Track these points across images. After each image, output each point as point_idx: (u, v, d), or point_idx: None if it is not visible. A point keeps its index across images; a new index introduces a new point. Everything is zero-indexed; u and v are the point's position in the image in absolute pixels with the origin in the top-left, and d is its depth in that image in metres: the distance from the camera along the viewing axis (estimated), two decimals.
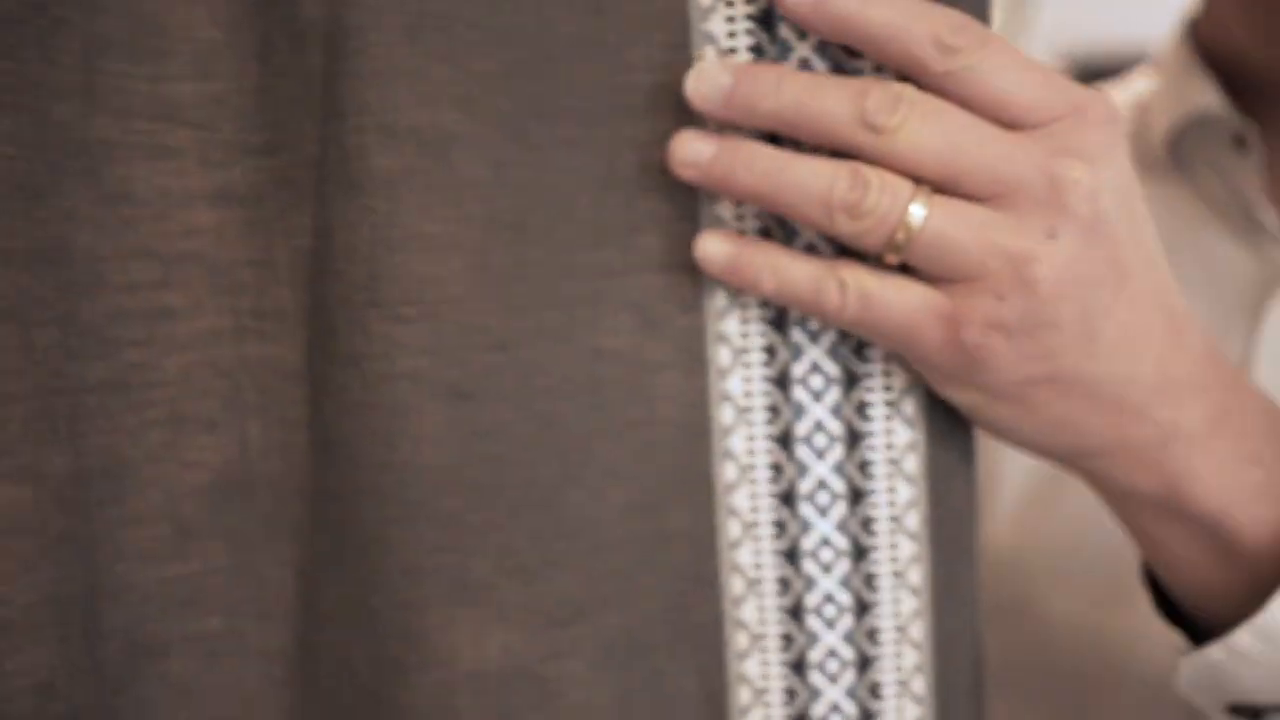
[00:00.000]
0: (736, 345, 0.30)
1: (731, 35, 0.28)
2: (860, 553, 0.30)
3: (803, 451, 0.30)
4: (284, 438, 0.30)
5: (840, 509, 0.30)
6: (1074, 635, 0.51)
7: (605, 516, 0.30)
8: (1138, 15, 3.08)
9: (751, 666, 0.31)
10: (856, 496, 0.30)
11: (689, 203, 0.29)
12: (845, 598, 0.30)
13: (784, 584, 0.31)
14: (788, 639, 0.31)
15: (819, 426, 0.30)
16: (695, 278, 0.28)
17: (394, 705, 0.29)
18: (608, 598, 0.30)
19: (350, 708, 0.30)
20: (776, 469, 0.30)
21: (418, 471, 0.27)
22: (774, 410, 0.30)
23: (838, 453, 0.30)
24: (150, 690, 0.30)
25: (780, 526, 0.30)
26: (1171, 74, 0.56)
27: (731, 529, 0.30)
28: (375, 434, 0.27)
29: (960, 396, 0.30)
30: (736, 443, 0.30)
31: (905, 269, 0.28)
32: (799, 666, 0.31)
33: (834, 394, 0.30)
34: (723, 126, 0.28)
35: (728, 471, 0.30)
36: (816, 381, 0.30)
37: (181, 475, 0.29)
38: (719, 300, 0.29)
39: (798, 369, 0.30)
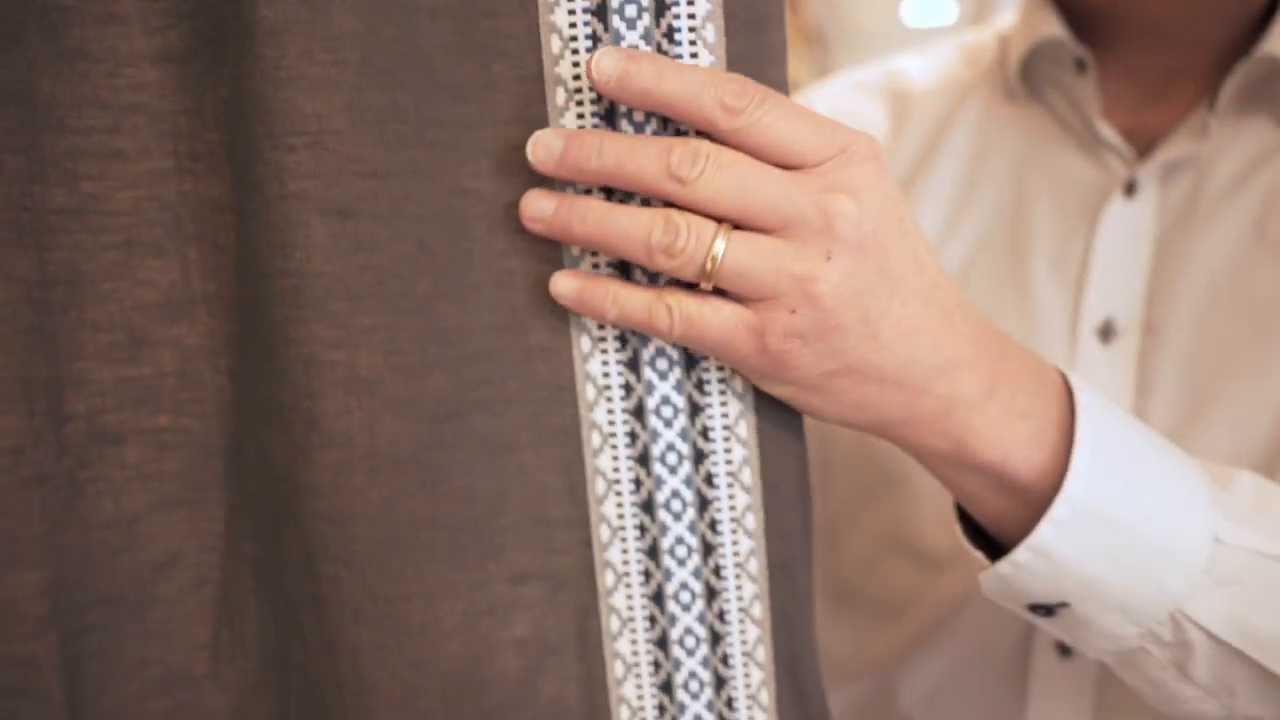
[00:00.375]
0: (600, 384, 0.36)
1: (573, 26, 0.33)
2: (700, 456, 0.36)
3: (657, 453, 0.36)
4: (217, 261, 0.36)
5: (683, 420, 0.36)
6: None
7: (475, 329, 0.35)
8: None
9: (604, 461, 0.36)
10: (699, 457, 0.37)
11: (535, 68, 0.34)
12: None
13: (628, 389, 0.36)
14: (633, 436, 0.36)
15: (670, 446, 0.36)
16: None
17: (301, 484, 0.35)
18: (479, 401, 0.35)
19: (269, 493, 0.36)
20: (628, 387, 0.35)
21: (310, 278, 0.33)
22: (633, 437, 0.36)
23: (687, 468, 0.36)
24: (110, 471, 0.36)
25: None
26: (1026, 10, 0.63)
27: (584, 344, 0.35)
28: (274, 246, 0.33)
29: (777, 390, 0.36)
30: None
31: (721, 292, 0.34)
32: (644, 460, 0.36)
33: (681, 420, 0.36)
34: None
35: (583, 343, 0.35)
36: (667, 411, 0.36)
37: (134, 292, 0.35)
38: (584, 344, 0.35)
39: (650, 402, 0.36)
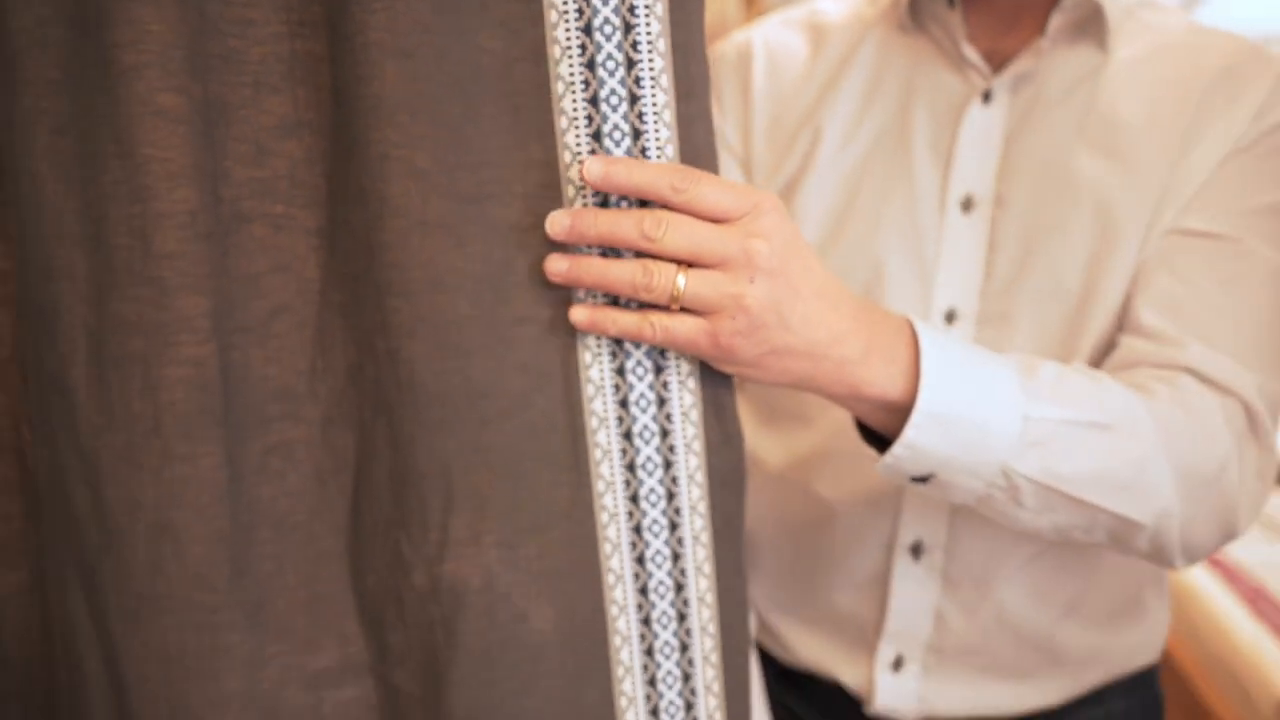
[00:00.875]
0: (596, 383, 0.54)
1: (578, 145, 0.52)
2: (665, 433, 0.56)
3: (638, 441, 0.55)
4: (317, 97, 0.52)
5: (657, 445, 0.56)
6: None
7: (491, 148, 0.52)
8: None
9: (600, 437, 0.54)
10: (665, 433, 0.56)
11: (554, 175, 0.52)
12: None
13: (616, 387, 0.55)
14: (620, 419, 0.55)
15: (645, 426, 0.55)
16: None
17: (375, 244, 0.51)
18: (492, 194, 0.52)
19: (352, 257, 0.53)
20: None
21: (384, 99, 0.50)
22: (620, 419, 0.55)
23: (656, 440, 0.55)
24: (244, 241, 0.52)
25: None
26: None
27: (585, 358, 0.54)
28: (359, 80, 0.50)
29: (727, 369, 0.56)
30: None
31: (685, 310, 0.53)
32: (628, 435, 0.55)
33: (652, 409, 0.55)
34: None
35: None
36: (643, 402, 0.55)
37: (259, 118, 0.52)
38: (585, 357, 0.54)
39: (632, 396, 0.55)
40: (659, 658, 0.57)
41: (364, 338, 0.53)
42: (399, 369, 0.52)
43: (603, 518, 0.55)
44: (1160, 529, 0.64)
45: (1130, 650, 0.81)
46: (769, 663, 0.86)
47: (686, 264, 0.52)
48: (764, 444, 0.83)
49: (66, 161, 0.50)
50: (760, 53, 0.85)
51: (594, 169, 0.50)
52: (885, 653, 0.79)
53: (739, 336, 0.52)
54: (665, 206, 0.51)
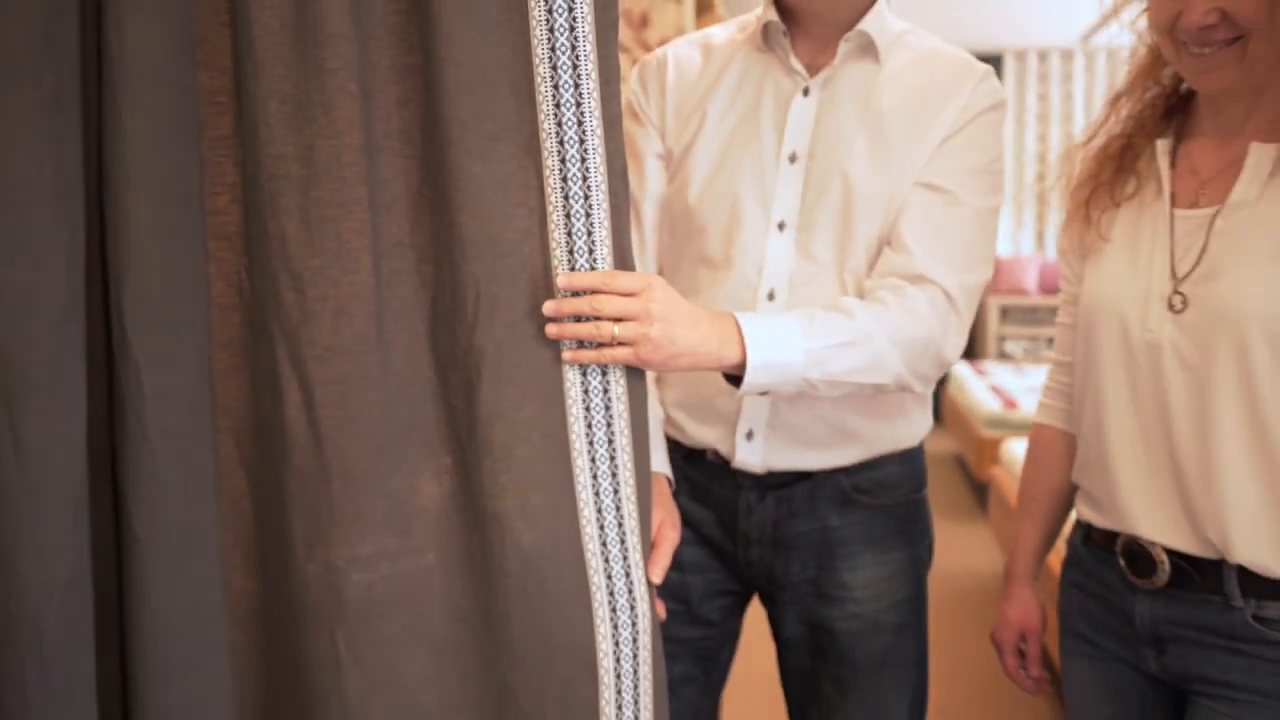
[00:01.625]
0: (571, 380, 1.00)
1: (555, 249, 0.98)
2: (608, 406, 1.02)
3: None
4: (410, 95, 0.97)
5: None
6: None
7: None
8: (973, 14, 3.90)
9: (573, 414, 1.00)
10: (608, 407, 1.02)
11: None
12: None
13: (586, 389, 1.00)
14: (587, 407, 0.99)
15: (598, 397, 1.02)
16: None
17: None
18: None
19: None
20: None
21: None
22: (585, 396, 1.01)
23: (601, 414, 1.02)
24: (379, 166, 0.97)
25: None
26: (764, 6, 1.27)
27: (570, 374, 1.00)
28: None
29: (649, 368, 1.03)
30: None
31: (621, 344, 0.99)
32: (588, 409, 1.01)
33: (599, 398, 1.01)
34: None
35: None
36: (597, 395, 1.01)
37: (387, 100, 0.97)
38: (571, 375, 1.00)
39: (590, 386, 1.01)
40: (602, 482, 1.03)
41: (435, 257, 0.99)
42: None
43: (572, 427, 1.01)
44: (898, 381, 1.14)
45: (899, 436, 1.30)
46: (676, 446, 1.33)
47: (614, 321, 0.97)
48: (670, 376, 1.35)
49: (288, 117, 0.94)
50: (671, 62, 1.32)
51: (562, 281, 0.95)
52: (742, 428, 1.26)
53: (650, 354, 0.99)
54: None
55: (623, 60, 1.17)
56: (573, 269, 0.99)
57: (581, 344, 0.97)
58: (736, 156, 1.25)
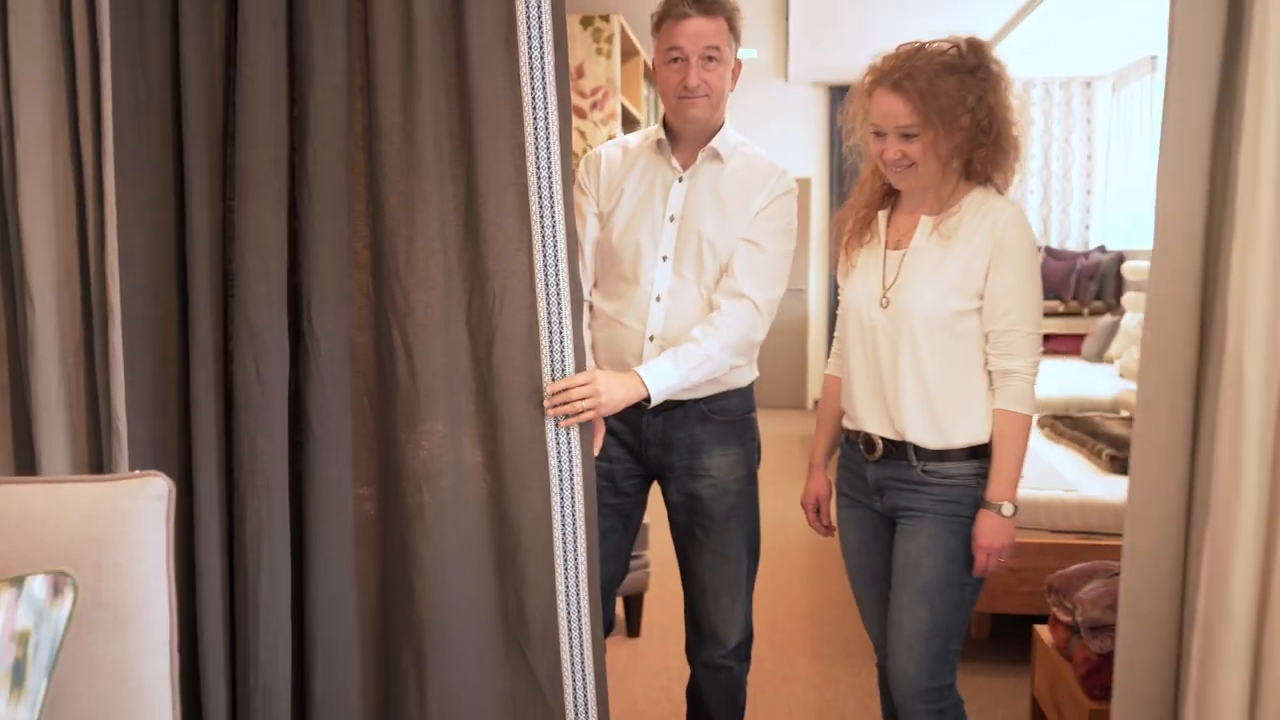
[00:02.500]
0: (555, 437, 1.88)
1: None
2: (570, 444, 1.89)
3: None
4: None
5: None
6: None
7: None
8: (872, 50, 5.05)
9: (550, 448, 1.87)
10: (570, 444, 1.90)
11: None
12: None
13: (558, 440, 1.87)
14: (561, 448, 1.87)
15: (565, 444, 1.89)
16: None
17: None
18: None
19: None
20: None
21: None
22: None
23: (565, 449, 1.90)
24: (416, 162, 1.83)
25: None
26: (658, 125, 2.16)
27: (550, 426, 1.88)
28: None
29: (601, 414, 1.93)
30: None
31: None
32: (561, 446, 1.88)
33: (563, 438, 1.89)
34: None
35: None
36: (563, 439, 1.88)
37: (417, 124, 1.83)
38: (551, 426, 1.87)
39: (561, 441, 1.89)
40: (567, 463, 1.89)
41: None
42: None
43: (549, 442, 1.86)
44: (731, 365, 2.05)
45: (736, 379, 2.17)
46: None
47: (589, 397, 1.83)
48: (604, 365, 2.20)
49: (401, 206, 1.79)
50: (604, 158, 2.19)
51: (553, 387, 1.81)
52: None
53: (602, 409, 1.86)
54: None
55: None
56: (546, 284, 1.84)
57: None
58: (640, 217, 2.12)
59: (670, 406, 2.12)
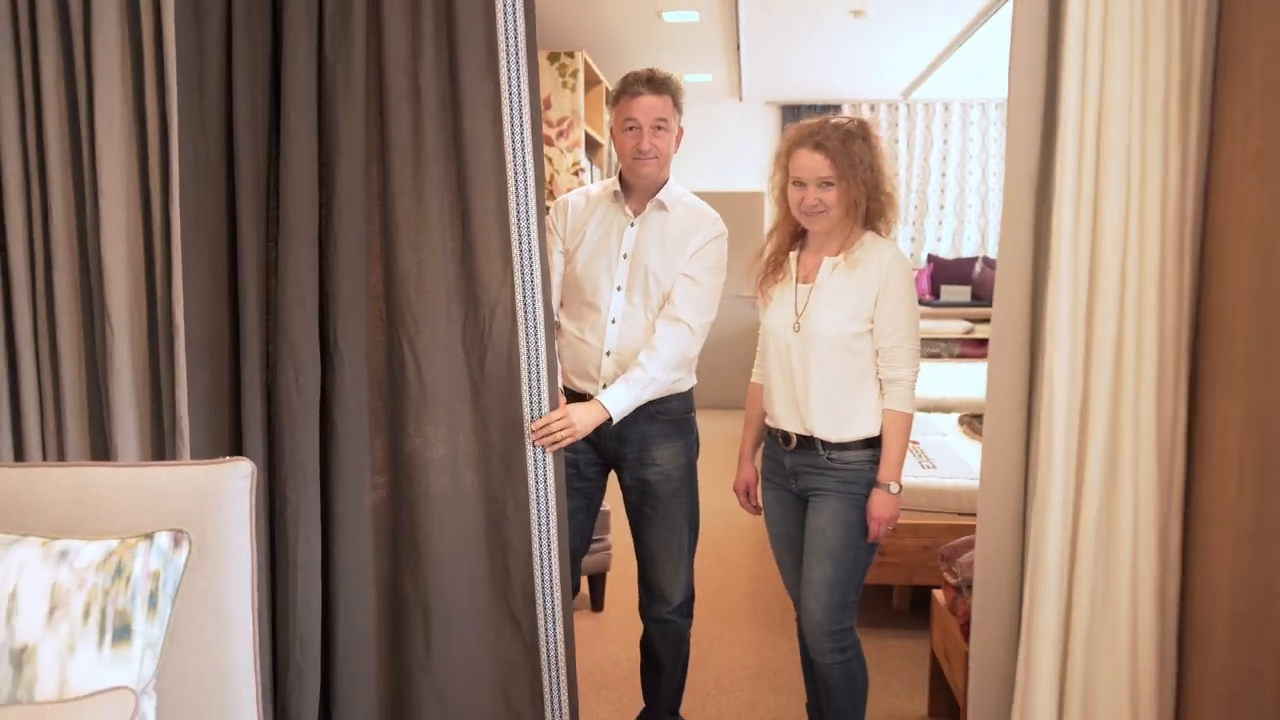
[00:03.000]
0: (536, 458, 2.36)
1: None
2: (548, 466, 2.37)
3: None
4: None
5: None
6: None
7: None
8: (818, 73, 5.74)
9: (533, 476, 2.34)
10: (547, 466, 2.37)
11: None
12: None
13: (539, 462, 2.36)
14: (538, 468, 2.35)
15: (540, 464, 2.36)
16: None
17: None
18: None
19: None
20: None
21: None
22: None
23: (541, 471, 2.36)
24: (423, 194, 2.30)
25: None
26: (616, 177, 2.66)
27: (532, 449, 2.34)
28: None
29: (576, 438, 2.43)
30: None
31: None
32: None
33: (543, 462, 2.35)
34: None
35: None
36: (540, 466, 2.36)
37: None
38: (533, 450, 2.35)
39: (538, 464, 2.36)
40: (542, 467, 2.36)
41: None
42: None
43: (527, 439, 2.33)
44: (673, 379, 2.53)
45: (677, 386, 2.66)
46: (569, 392, 2.66)
47: (569, 429, 2.32)
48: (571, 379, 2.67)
49: (411, 243, 2.26)
50: (570, 205, 2.66)
51: (535, 425, 2.30)
52: (599, 384, 2.60)
53: (577, 434, 2.35)
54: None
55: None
56: (524, 312, 2.31)
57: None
58: (599, 254, 2.59)
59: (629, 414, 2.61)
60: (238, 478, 1.74)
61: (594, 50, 5.87)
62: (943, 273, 7.59)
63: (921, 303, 7.64)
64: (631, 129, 2.53)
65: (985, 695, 2.31)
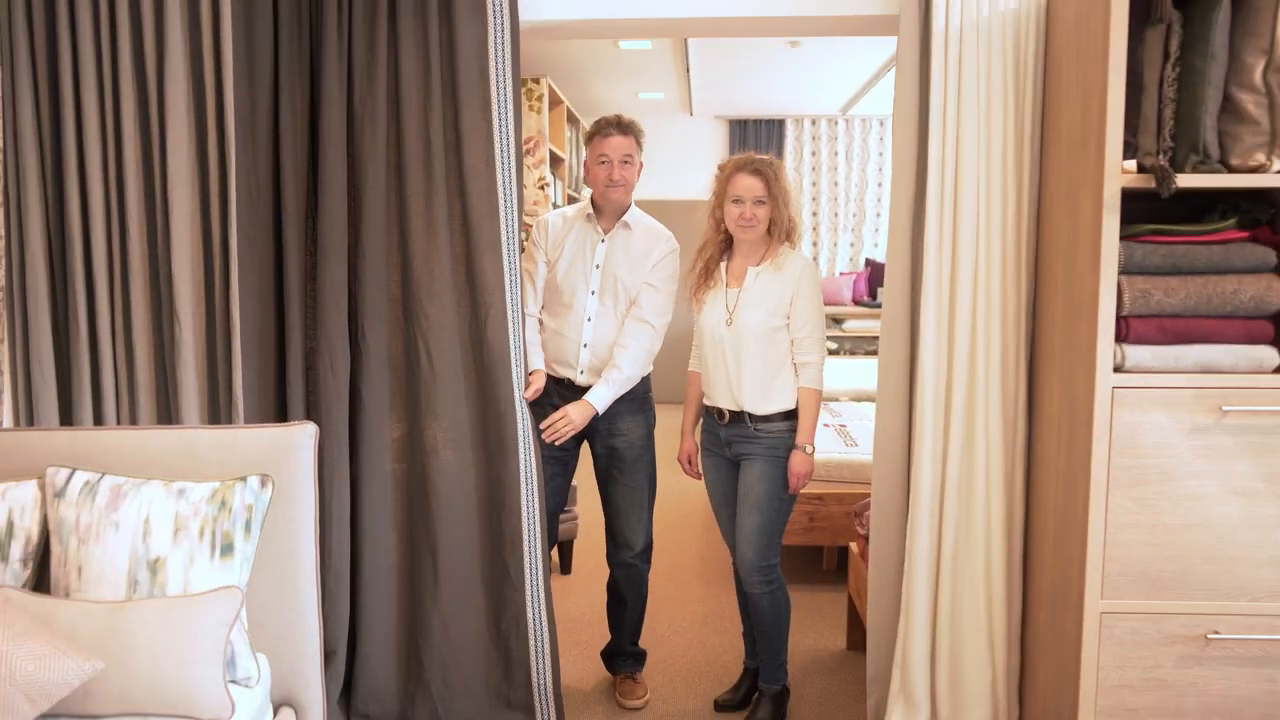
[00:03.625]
0: (522, 419, 2.95)
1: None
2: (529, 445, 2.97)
3: None
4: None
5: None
6: None
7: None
8: (762, 92, 6.49)
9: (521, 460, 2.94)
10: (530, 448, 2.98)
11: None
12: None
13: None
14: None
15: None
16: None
17: None
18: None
19: None
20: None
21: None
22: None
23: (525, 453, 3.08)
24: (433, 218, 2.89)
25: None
26: (588, 199, 3.27)
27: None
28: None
29: (575, 430, 3.08)
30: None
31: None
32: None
33: (529, 447, 2.97)
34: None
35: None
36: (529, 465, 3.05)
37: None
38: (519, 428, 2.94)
39: (529, 422, 3.01)
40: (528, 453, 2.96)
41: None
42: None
43: (517, 419, 2.92)
44: (641, 374, 3.15)
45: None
46: (551, 378, 3.23)
47: (567, 425, 2.95)
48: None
49: (422, 257, 2.84)
50: (550, 224, 3.24)
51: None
52: (577, 370, 3.19)
53: (576, 428, 2.99)
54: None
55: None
56: (511, 312, 2.90)
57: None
58: (576, 264, 3.16)
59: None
60: (305, 436, 2.32)
61: (556, 75, 6.46)
62: (879, 276, 8.26)
63: (858, 303, 8.34)
64: (604, 163, 3.12)
65: (881, 608, 2.94)
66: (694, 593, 4.43)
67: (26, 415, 2.87)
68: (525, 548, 2.95)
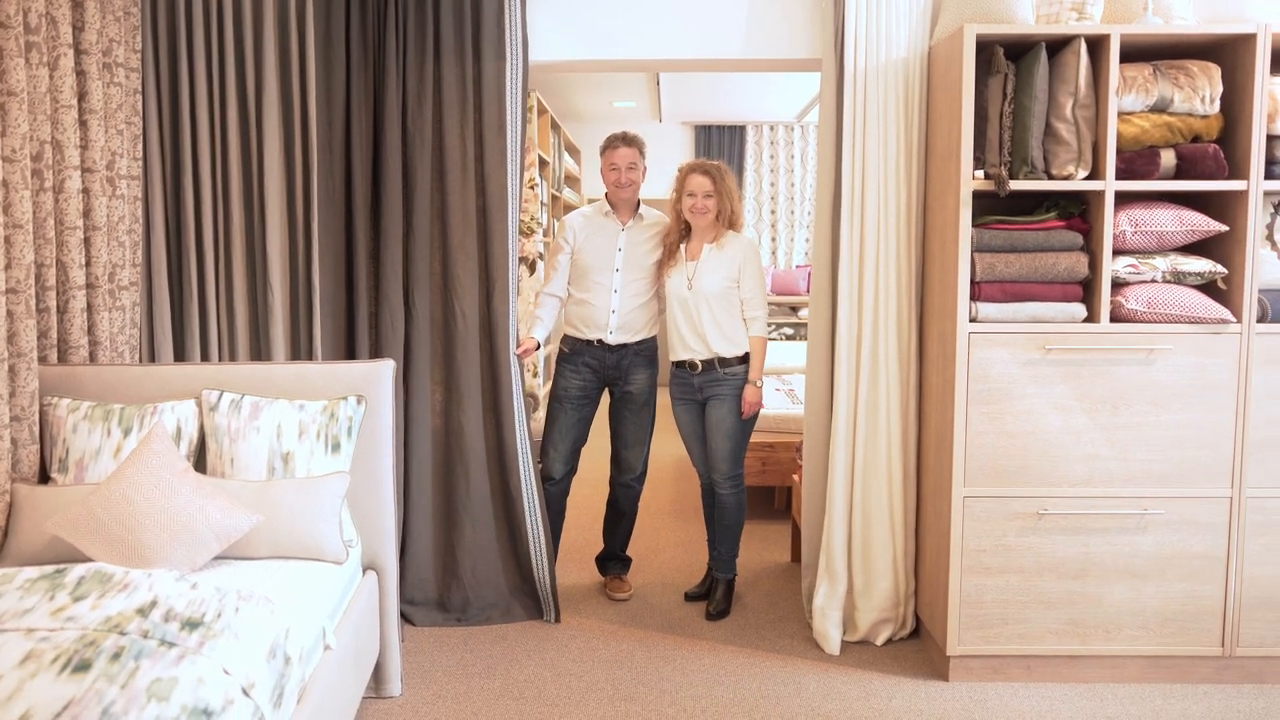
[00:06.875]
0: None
1: None
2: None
3: None
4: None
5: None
6: None
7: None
8: (725, 101, 7.62)
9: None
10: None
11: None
12: None
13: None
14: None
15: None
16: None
17: None
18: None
19: None
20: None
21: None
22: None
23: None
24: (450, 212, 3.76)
25: None
26: (604, 198, 4.15)
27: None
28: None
29: None
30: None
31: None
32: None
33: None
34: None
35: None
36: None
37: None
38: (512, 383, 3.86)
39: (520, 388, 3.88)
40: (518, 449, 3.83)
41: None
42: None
43: (513, 380, 3.79)
44: (653, 331, 4.03)
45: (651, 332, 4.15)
46: (580, 340, 4.09)
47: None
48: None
49: (459, 247, 3.71)
50: (573, 222, 4.09)
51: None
52: (606, 331, 4.02)
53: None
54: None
55: None
56: (511, 290, 3.77)
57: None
58: (604, 249, 3.97)
59: (618, 347, 4.03)
60: (387, 369, 3.18)
61: (545, 91, 7.32)
62: None
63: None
64: (614, 169, 4.00)
65: (811, 509, 3.84)
66: (667, 524, 5.32)
67: (149, 361, 3.70)
68: (520, 472, 3.82)
